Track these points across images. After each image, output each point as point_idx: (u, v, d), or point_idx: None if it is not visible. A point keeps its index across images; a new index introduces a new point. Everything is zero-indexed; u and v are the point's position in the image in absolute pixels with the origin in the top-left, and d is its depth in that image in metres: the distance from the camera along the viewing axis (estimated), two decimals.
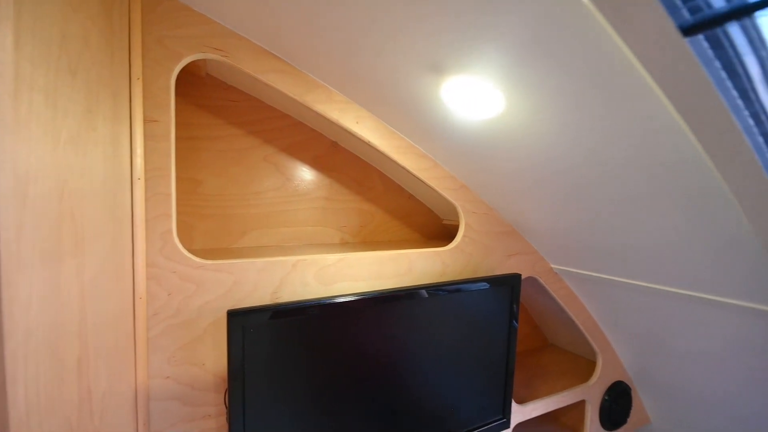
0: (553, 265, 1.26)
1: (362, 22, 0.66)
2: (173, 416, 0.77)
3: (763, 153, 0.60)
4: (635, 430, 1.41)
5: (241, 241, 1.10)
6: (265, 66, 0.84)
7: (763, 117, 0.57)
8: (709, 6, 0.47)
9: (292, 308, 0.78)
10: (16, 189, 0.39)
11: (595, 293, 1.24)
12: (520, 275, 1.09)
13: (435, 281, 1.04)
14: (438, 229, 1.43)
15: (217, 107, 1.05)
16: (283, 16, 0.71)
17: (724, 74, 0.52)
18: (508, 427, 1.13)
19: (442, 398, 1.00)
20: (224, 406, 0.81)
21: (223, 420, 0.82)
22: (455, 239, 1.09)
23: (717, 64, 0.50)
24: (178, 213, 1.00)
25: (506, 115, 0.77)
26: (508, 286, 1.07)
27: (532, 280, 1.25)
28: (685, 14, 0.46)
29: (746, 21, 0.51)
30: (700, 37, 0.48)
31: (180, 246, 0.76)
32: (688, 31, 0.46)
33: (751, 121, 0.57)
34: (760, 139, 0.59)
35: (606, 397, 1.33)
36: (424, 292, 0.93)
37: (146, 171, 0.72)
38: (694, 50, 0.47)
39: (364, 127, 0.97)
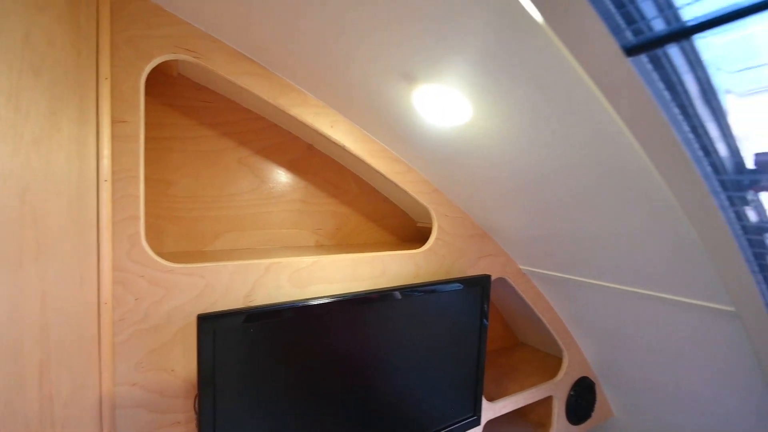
0: (521, 266, 1.32)
1: (333, 27, 0.67)
2: (140, 424, 0.76)
3: (701, 164, 0.65)
4: (599, 423, 1.48)
5: (214, 245, 1.09)
6: (239, 68, 0.84)
7: (701, 131, 0.63)
8: (650, 29, 0.51)
9: (265, 311, 0.78)
10: None
11: (560, 293, 1.29)
12: (489, 276, 1.13)
13: (409, 283, 1.07)
14: (413, 232, 1.45)
15: (190, 107, 1.03)
16: (257, 18, 0.72)
17: (665, 91, 0.57)
18: (478, 424, 1.16)
19: (415, 397, 1.02)
20: (194, 412, 0.80)
21: (192, 427, 0.81)
22: (428, 242, 1.12)
23: (659, 82, 0.55)
24: (149, 215, 0.98)
25: (472, 125, 0.80)
26: (478, 286, 1.10)
27: (501, 280, 1.30)
28: (629, 36, 0.51)
29: (685, 43, 0.56)
30: (643, 57, 0.52)
31: (148, 249, 0.74)
32: (631, 51, 0.50)
33: (690, 135, 0.62)
34: (700, 152, 0.65)
35: (572, 393, 1.39)
36: (397, 293, 0.95)
37: (114, 172, 0.71)
38: (636, 69, 0.51)
39: (338, 130, 0.98)
